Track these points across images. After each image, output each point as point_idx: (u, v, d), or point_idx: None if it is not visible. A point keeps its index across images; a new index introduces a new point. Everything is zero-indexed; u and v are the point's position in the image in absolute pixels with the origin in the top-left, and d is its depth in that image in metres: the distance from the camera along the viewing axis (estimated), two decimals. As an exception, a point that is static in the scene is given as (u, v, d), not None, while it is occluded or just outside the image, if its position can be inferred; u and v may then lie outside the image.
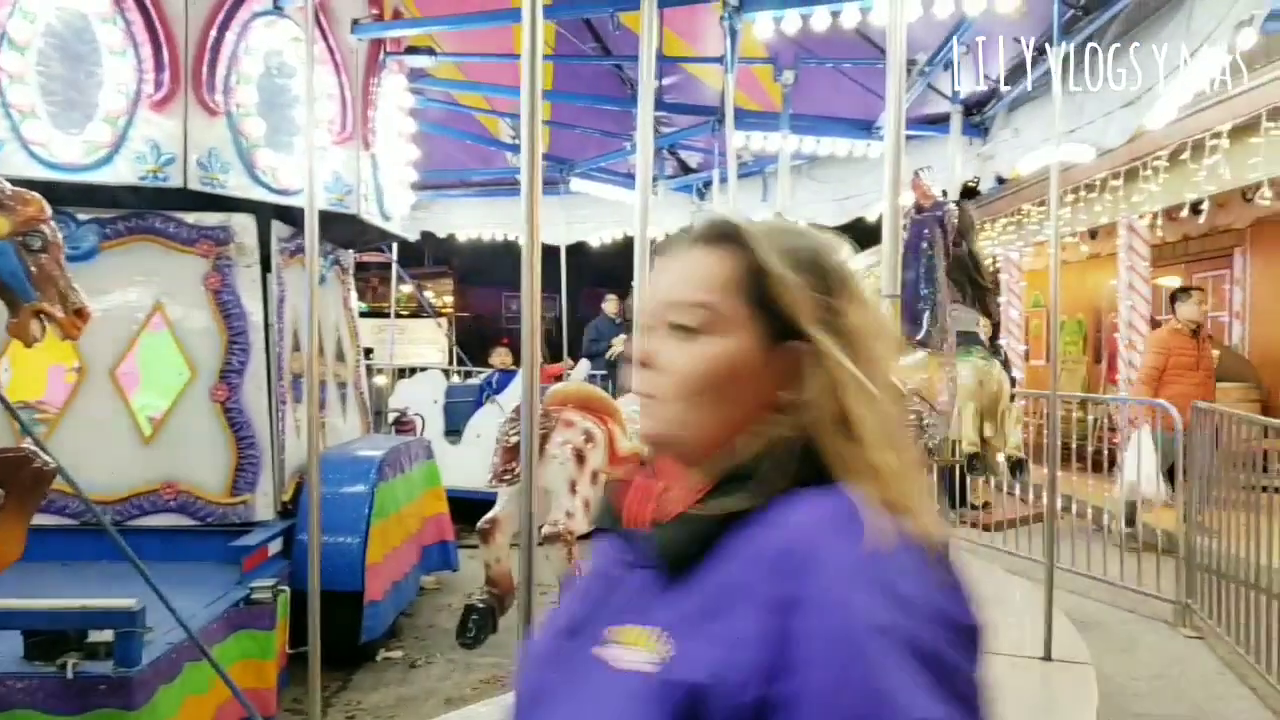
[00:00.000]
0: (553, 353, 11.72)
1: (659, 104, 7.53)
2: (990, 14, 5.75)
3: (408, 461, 6.02)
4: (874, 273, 3.19)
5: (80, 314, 3.23)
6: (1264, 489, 5.53)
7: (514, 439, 3.10)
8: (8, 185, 3.16)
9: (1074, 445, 8.18)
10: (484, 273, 16.81)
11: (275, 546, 4.93)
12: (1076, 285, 12.55)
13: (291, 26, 5.28)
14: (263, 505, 5.01)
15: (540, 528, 3.04)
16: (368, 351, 8.62)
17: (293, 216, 5.28)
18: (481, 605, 3.33)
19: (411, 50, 6.82)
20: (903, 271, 3.51)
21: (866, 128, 8.16)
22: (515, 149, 9.87)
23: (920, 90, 7.62)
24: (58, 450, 3.50)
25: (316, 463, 3.88)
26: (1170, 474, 6.99)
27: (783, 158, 7.53)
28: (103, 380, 4.87)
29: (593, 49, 9.05)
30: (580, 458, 3.32)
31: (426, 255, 17.83)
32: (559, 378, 8.58)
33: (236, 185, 5.17)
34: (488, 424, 8.52)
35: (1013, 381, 6.38)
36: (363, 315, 9.08)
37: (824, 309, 1.00)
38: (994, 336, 6.13)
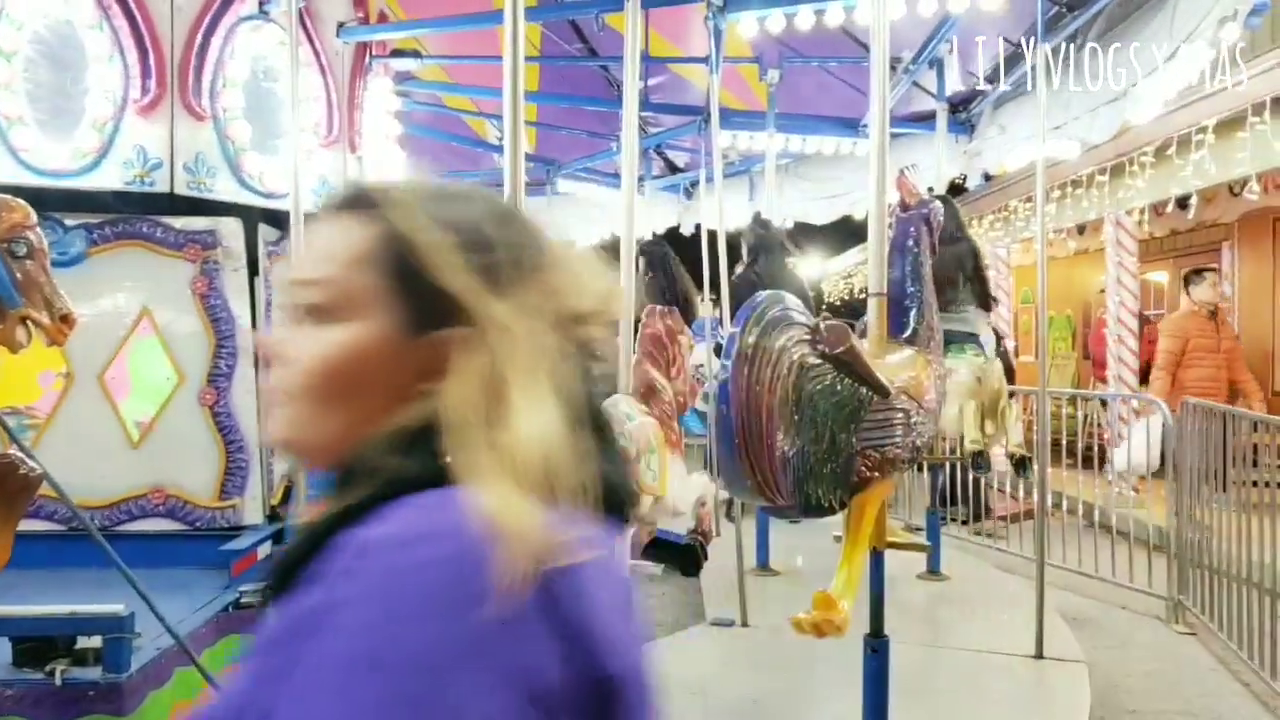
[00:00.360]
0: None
1: (645, 104, 7.56)
2: (974, 11, 5.78)
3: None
4: (861, 270, 3.20)
5: (66, 320, 3.22)
6: (1254, 484, 5.55)
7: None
8: (-8, 193, 3.15)
9: (1064, 441, 8.16)
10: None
11: (265, 550, 4.91)
12: (1064, 281, 12.60)
13: (277, 30, 5.26)
14: (252, 509, 4.98)
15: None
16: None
17: (280, 220, 5.27)
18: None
19: (397, 53, 6.83)
20: (889, 270, 3.52)
21: (852, 126, 8.19)
22: (502, 150, 9.85)
23: (906, 88, 7.66)
24: (46, 456, 3.48)
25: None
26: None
27: (769, 156, 7.55)
28: (90, 385, 4.84)
29: (578, 50, 9.07)
30: None
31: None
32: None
33: (223, 189, 5.16)
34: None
35: (1011, 379, 6.40)
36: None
37: (484, 289, 0.83)
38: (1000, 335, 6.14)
